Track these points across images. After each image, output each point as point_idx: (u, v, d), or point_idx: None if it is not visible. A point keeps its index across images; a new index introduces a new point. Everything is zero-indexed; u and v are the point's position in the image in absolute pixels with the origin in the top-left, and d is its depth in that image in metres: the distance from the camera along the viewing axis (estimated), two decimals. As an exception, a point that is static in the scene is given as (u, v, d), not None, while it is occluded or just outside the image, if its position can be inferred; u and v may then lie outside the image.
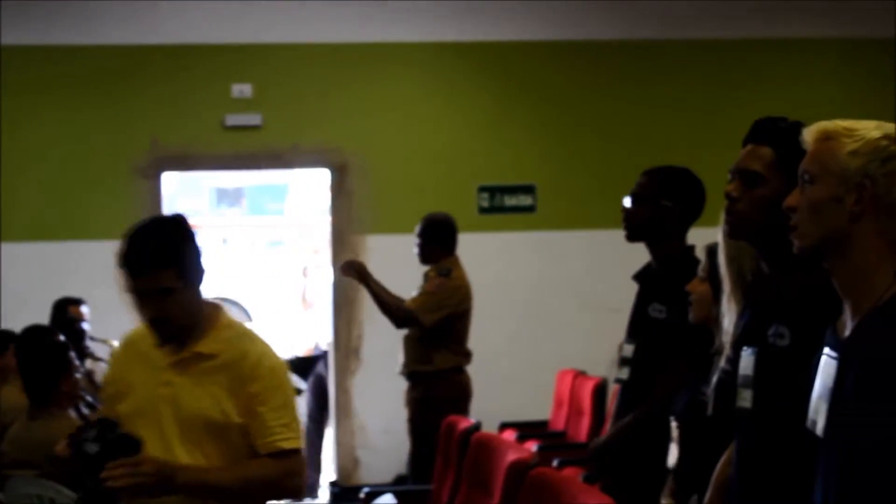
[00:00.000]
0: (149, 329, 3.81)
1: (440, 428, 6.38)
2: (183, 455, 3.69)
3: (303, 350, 10.13)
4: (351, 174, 9.51)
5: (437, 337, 7.33)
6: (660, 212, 4.83)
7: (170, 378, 3.78)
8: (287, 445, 3.78)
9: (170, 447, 3.70)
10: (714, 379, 3.77)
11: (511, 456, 5.01)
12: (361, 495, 6.43)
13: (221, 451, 3.73)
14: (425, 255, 7.57)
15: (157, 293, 3.67)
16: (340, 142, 9.47)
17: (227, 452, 3.73)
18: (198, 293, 3.79)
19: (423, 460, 7.14)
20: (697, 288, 4.21)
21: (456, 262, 7.54)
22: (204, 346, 3.78)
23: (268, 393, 3.75)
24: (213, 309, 3.86)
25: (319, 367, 9.81)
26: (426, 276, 7.52)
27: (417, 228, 7.60)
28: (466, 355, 7.54)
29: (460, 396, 7.40)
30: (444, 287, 7.38)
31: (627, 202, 4.90)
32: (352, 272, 7.48)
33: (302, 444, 3.88)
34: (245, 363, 3.76)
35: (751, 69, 9.83)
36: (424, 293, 7.39)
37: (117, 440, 3.56)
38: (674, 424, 4.24)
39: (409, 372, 7.47)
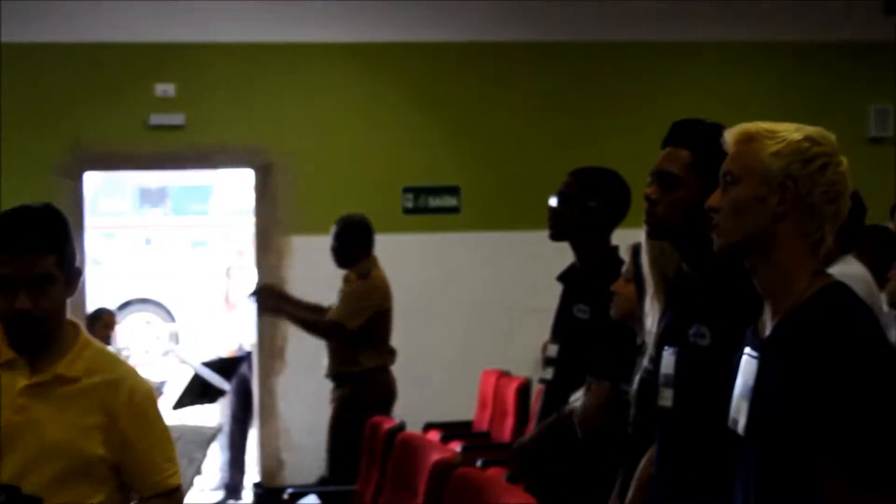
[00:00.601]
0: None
1: (363, 428, 6.37)
2: (51, 495, 3.16)
3: (226, 351, 10.07)
4: (275, 174, 9.47)
5: (362, 337, 7.33)
6: (585, 212, 4.84)
7: (24, 403, 3.27)
8: (174, 482, 3.41)
9: (32, 485, 3.17)
10: (637, 378, 3.80)
11: (435, 456, 5.01)
12: (285, 496, 6.41)
13: (90, 489, 3.29)
14: (342, 258, 7.55)
15: (35, 280, 3.20)
16: (264, 142, 9.43)
17: (96, 490, 3.30)
18: (65, 298, 3.31)
19: (343, 460, 7.14)
20: (622, 289, 4.24)
21: (374, 263, 7.54)
22: (65, 368, 3.29)
23: (146, 427, 3.35)
24: (71, 325, 3.37)
25: (243, 369, 9.76)
26: (346, 279, 7.51)
27: (332, 231, 7.57)
28: (391, 354, 7.57)
29: (385, 396, 7.42)
30: (364, 288, 7.38)
31: (554, 202, 4.92)
32: (266, 311, 7.51)
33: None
34: (116, 392, 3.31)
35: (671, 72, 9.91)
36: (346, 298, 7.38)
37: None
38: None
39: (335, 373, 7.46)
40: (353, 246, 7.50)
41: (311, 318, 7.52)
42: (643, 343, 3.81)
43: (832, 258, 5.03)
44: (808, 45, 10.01)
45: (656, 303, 3.59)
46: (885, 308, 5.87)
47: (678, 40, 9.88)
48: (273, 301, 7.63)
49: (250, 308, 8.50)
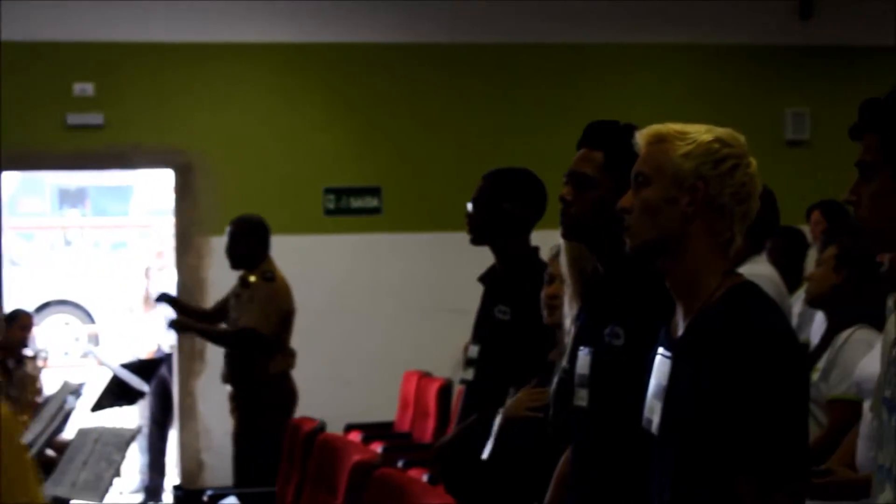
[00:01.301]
0: None
1: (267, 435, 6.36)
2: None
3: (146, 353, 9.99)
4: (195, 175, 9.41)
5: (268, 342, 7.27)
6: (500, 215, 4.85)
7: None
8: None
9: None
10: (555, 379, 3.82)
11: (355, 457, 5.01)
12: (205, 498, 6.37)
13: None
14: (238, 259, 7.47)
15: None
16: (184, 142, 9.37)
17: None
18: None
19: (249, 469, 7.12)
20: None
21: (273, 264, 7.48)
22: None
23: (14, 462, 2.47)
24: None
25: (162, 370, 9.68)
26: (246, 282, 7.43)
27: (227, 231, 7.52)
28: (292, 357, 7.49)
29: (287, 400, 7.36)
30: (272, 291, 7.32)
31: (469, 207, 4.94)
32: (174, 329, 7.53)
33: None
34: None
35: (590, 73, 9.97)
36: (257, 304, 7.30)
37: None
38: (499, 416, 4.27)
39: (235, 379, 7.40)
40: (251, 247, 7.42)
41: (220, 332, 7.49)
42: (563, 345, 3.84)
43: (742, 258, 5.10)
44: (726, 48, 10.12)
45: (574, 304, 3.62)
46: (798, 308, 5.96)
47: (597, 42, 9.94)
48: (181, 322, 7.63)
49: (163, 322, 8.53)
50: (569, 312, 3.69)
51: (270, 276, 7.33)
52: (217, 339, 7.60)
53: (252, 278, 7.37)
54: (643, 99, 9.66)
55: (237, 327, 7.35)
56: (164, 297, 8.00)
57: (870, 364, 3.54)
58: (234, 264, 7.52)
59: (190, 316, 7.92)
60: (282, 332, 7.34)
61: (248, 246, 7.44)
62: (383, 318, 9.56)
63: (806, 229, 7.22)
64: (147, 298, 7.78)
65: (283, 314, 7.35)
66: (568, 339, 3.68)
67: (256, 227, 7.49)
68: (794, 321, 5.95)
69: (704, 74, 10.14)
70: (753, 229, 5.04)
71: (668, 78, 10.09)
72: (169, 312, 8.39)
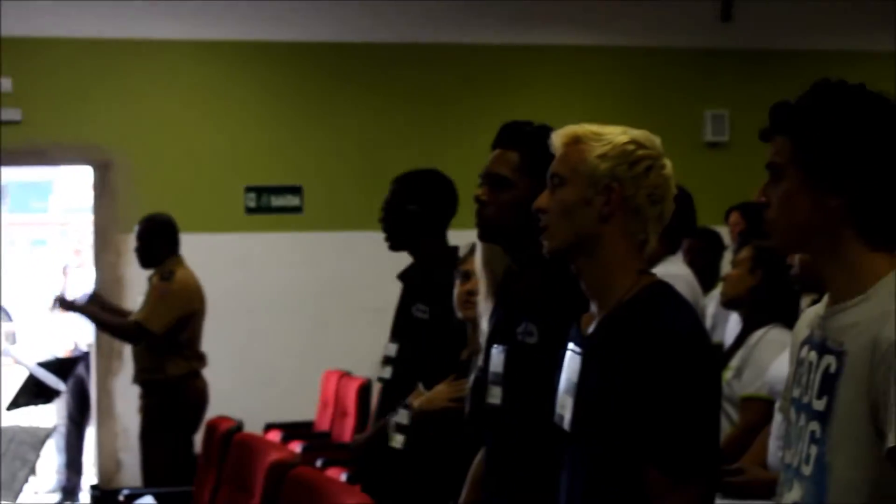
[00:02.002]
0: None
1: (174, 438, 6.33)
2: None
3: (63, 351, 9.89)
4: (114, 172, 9.33)
5: (167, 343, 7.22)
6: (407, 217, 4.90)
7: None
8: None
9: None
10: (471, 378, 3.83)
11: (272, 456, 4.99)
12: (121, 498, 6.32)
13: None
14: (147, 257, 7.46)
15: None
16: (103, 139, 9.28)
17: None
18: None
19: (156, 472, 7.09)
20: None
21: (180, 263, 7.44)
22: None
23: None
24: None
25: (80, 369, 9.60)
26: (149, 281, 7.42)
27: (136, 230, 7.50)
28: (200, 359, 7.43)
29: (196, 403, 7.32)
30: (167, 290, 7.28)
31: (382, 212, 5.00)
32: (68, 309, 7.49)
33: None
34: None
35: (511, 74, 9.99)
36: (148, 300, 7.29)
37: None
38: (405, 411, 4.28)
39: (142, 381, 7.37)
40: (155, 245, 7.40)
41: (111, 321, 7.45)
42: (478, 343, 3.85)
43: (658, 258, 5.15)
44: (647, 50, 10.19)
45: (488, 302, 3.62)
46: (712, 308, 6.02)
47: (518, 43, 9.98)
48: (78, 304, 7.59)
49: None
50: (483, 312, 3.69)
51: (168, 276, 7.29)
52: (103, 326, 7.59)
53: (153, 277, 7.36)
54: (562, 101, 9.71)
55: (128, 321, 7.35)
56: (85, 298, 7.94)
57: (781, 365, 3.58)
58: (141, 263, 7.52)
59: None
60: (179, 332, 7.26)
61: (154, 244, 7.42)
62: (304, 317, 9.53)
63: (724, 231, 7.29)
64: (59, 299, 7.65)
65: (180, 314, 7.27)
66: (482, 338, 3.69)
67: (163, 226, 7.47)
68: (709, 321, 6.01)
69: (625, 76, 10.20)
70: (670, 230, 5.10)
71: (588, 80, 10.14)
72: (71, 315, 8.32)
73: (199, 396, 7.33)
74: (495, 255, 3.58)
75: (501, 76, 9.97)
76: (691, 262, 5.97)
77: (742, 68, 10.27)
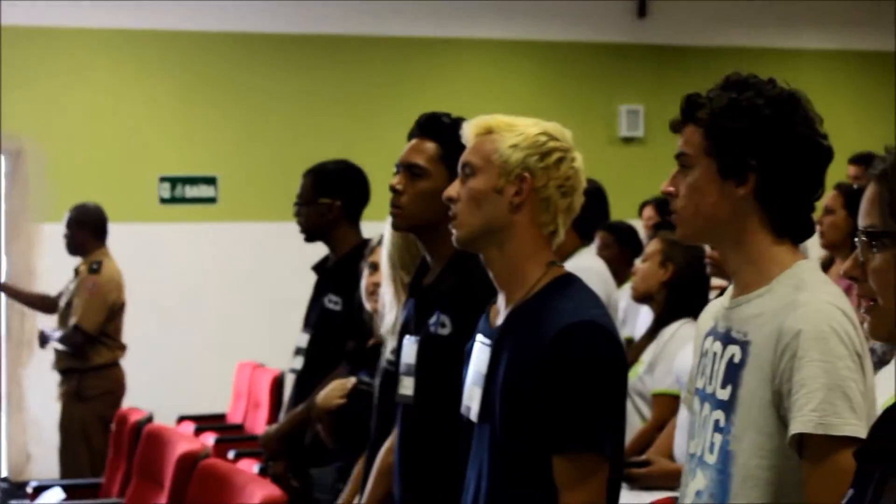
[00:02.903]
0: None
1: (92, 424, 6.28)
2: None
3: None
4: (27, 161, 9.21)
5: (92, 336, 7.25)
6: (320, 210, 4.91)
7: None
8: None
9: None
10: (380, 369, 3.82)
11: (182, 448, 4.94)
12: (29, 490, 6.24)
13: None
14: (74, 246, 7.47)
15: None
16: (15, 128, 9.14)
17: None
18: None
19: (73, 458, 7.05)
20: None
21: (106, 254, 7.46)
22: None
23: None
24: None
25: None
26: (76, 272, 7.41)
27: (65, 218, 7.48)
28: (122, 349, 7.45)
29: (114, 392, 7.33)
30: (97, 285, 7.28)
31: (295, 206, 4.99)
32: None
33: None
34: None
35: (429, 67, 10.00)
36: (82, 299, 7.26)
37: None
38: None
39: (63, 368, 7.33)
40: (82, 235, 7.40)
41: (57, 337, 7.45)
42: (383, 336, 3.84)
43: (571, 251, 5.17)
44: (563, 44, 10.23)
45: (399, 294, 3.62)
46: (624, 302, 6.05)
47: (435, 36, 9.98)
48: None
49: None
50: (390, 302, 3.68)
51: (96, 268, 7.30)
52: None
53: (81, 268, 7.35)
54: (478, 94, 9.73)
55: (67, 327, 7.32)
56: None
57: (687, 357, 3.61)
58: (68, 250, 7.52)
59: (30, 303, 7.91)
60: (107, 323, 7.28)
61: (80, 234, 7.43)
62: (219, 308, 9.47)
63: (639, 224, 7.33)
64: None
65: (108, 306, 7.29)
66: (388, 332, 3.68)
67: (90, 216, 7.47)
68: (621, 315, 6.04)
69: (541, 70, 10.23)
70: (583, 223, 5.14)
71: (504, 73, 10.16)
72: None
73: (117, 385, 7.35)
74: (410, 245, 3.58)
75: (418, 68, 9.97)
76: (604, 256, 6.00)
77: (657, 64, 10.35)
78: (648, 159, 10.05)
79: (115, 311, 7.37)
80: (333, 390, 4.22)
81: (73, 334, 7.25)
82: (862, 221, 1.67)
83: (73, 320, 7.29)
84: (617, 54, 10.34)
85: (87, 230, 7.41)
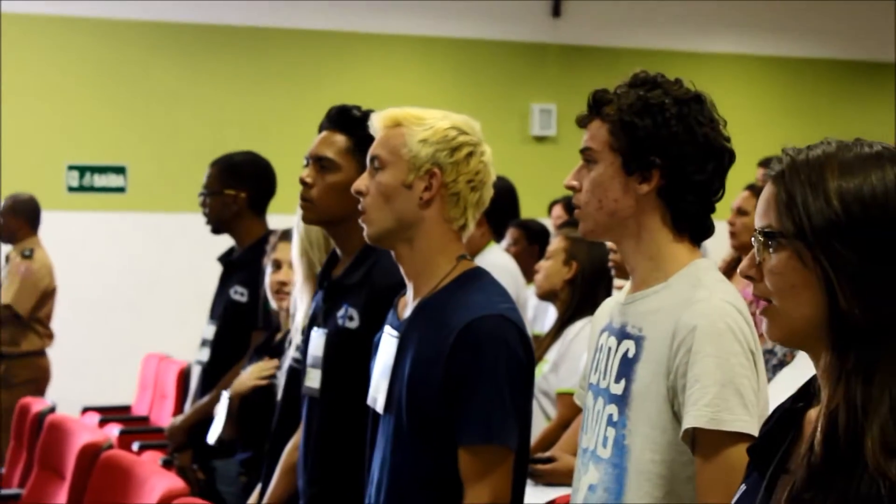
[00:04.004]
0: None
1: (13, 411, 6.19)
2: None
3: None
4: (-69, 146, 9.06)
5: (28, 319, 7.26)
6: (225, 201, 4.88)
7: None
8: None
9: None
10: (285, 365, 3.80)
11: (83, 439, 4.88)
12: (-78, 479, 6.13)
13: None
14: (7, 234, 7.59)
15: None
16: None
17: None
18: None
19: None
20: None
21: (37, 243, 7.53)
22: None
23: None
24: None
25: None
26: (8, 259, 7.44)
27: (0, 206, 7.48)
28: (50, 337, 7.48)
29: (40, 378, 7.32)
30: (30, 270, 7.32)
31: (201, 197, 4.96)
32: None
33: None
34: None
35: (341, 60, 9.96)
36: (15, 282, 7.27)
37: None
38: (225, 397, 4.24)
39: None
40: (18, 223, 7.48)
41: None
42: (291, 330, 3.83)
43: (481, 247, 5.18)
44: (478, 42, 10.26)
45: (307, 287, 3.60)
46: (534, 300, 6.07)
47: (349, 30, 9.96)
48: None
49: None
50: (301, 297, 3.66)
51: (28, 254, 7.40)
52: None
53: (13, 254, 7.41)
54: (392, 89, 9.72)
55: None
56: None
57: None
58: (3, 238, 7.69)
59: None
60: (38, 308, 7.32)
61: (14, 222, 7.59)
62: (125, 299, 9.38)
63: (549, 223, 7.37)
64: None
65: (40, 290, 7.33)
66: (297, 326, 3.67)
67: (25, 205, 7.65)
68: (530, 313, 6.06)
69: (456, 67, 10.25)
70: (493, 219, 5.16)
71: (418, 70, 10.16)
72: None
73: (43, 372, 7.39)
74: (318, 238, 3.57)
75: (334, 62, 9.94)
76: (514, 253, 6.02)
77: (571, 63, 10.41)
78: (560, 158, 10.09)
79: (46, 296, 7.50)
80: (253, 372, 4.19)
81: (3, 312, 7.28)
82: (759, 222, 1.69)
83: (3, 301, 7.33)
84: (531, 53, 10.38)
85: (21, 219, 7.63)
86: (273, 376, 4.09)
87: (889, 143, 1.69)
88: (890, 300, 1.59)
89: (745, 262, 1.72)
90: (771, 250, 1.66)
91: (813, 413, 1.68)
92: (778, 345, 2.87)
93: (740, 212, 5.50)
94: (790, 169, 1.67)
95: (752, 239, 1.70)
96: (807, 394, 1.72)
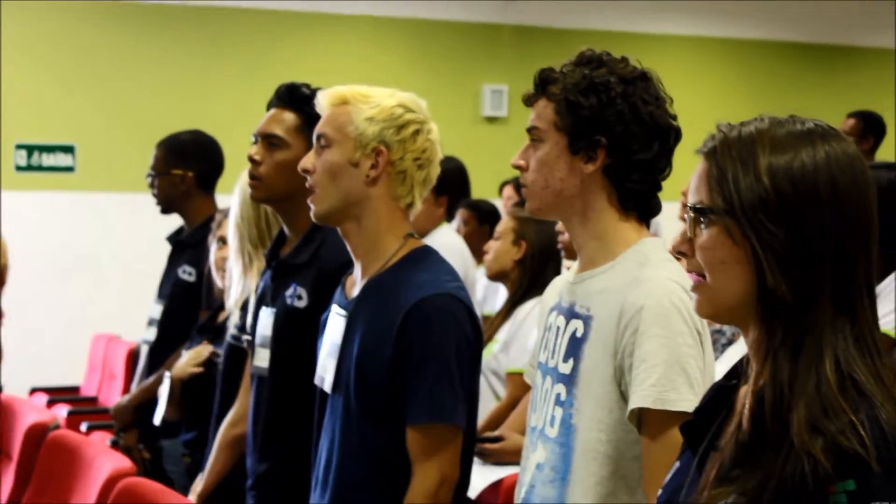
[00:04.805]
0: None
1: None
2: None
3: None
4: None
5: None
6: (172, 181, 4.87)
7: None
8: None
9: None
10: (226, 342, 3.79)
11: (31, 419, 4.86)
12: None
13: None
14: None
15: None
16: None
17: None
18: None
19: None
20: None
21: None
22: None
23: None
24: None
25: None
26: None
27: None
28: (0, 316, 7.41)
29: None
30: None
31: (148, 178, 4.95)
32: None
33: None
34: None
35: (289, 38, 9.91)
36: None
37: None
38: (167, 379, 4.22)
39: None
40: None
41: None
42: (229, 308, 3.82)
43: (431, 227, 5.17)
44: (431, 22, 10.22)
45: (246, 267, 3.60)
46: (484, 280, 6.08)
47: (307, 11, 9.91)
48: None
49: None
50: (238, 276, 3.65)
51: None
52: None
53: None
54: (347, 68, 9.68)
55: None
56: None
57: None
58: None
59: None
60: None
61: None
62: (74, 279, 9.31)
63: (500, 203, 7.37)
64: None
65: None
66: (234, 304, 3.66)
67: None
68: (480, 293, 6.07)
69: (409, 47, 10.22)
70: (444, 200, 5.15)
71: (366, 49, 10.11)
72: None
73: None
74: (258, 218, 3.56)
75: (287, 42, 9.88)
76: (464, 233, 6.02)
77: (523, 45, 10.40)
78: (511, 139, 10.06)
79: None
80: (189, 359, 4.18)
81: None
82: (691, 198, 1.69)
83: None
84: (483, 34, 10.36)
85: None
86: (209, 362, 4.08)
87: (822, 120, 1.69)
88: (816, 277, 1.59)
89: (677, 238, 1.72)
90: (702, 226, 1.67)
91: (744, 390, 1.68)
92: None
93: None
94: (722, 145, 1.67)
95: (685, 215, 1.70)
96: (740, 371, 1.72)
